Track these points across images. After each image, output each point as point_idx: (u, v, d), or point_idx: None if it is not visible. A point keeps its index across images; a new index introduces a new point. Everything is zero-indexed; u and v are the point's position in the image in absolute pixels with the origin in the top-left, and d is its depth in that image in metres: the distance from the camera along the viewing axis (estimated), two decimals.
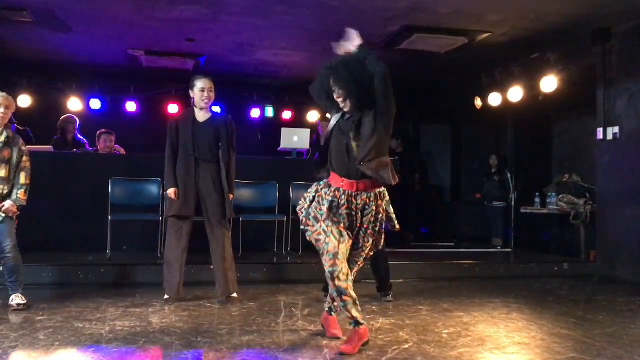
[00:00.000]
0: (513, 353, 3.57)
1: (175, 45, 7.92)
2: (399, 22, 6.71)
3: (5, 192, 4.48)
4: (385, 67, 3.34)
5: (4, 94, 4.56)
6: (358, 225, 3.46)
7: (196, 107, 4.87)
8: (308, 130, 7.58)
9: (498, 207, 8.66)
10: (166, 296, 4.77)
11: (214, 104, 9.83)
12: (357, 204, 3.39)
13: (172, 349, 3.50)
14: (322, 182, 3.56)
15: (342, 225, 3.41)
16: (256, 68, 9.17)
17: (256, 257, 6.44)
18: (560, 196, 7.81)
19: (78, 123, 7.77)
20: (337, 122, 3.50)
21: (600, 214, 7.10)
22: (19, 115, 8.15)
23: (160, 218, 6.08)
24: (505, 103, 8.53)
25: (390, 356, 3.42)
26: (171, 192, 4.75)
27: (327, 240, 3.39)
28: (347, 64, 3.33)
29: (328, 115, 3.73)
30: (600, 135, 7.02)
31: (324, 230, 3.41)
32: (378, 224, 3.50)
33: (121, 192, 6.39)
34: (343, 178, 3.41)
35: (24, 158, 4.59)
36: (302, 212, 3.61)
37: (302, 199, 3.65)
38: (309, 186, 3.71)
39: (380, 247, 3.69)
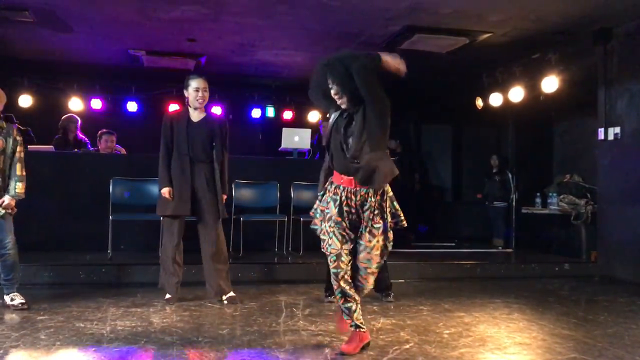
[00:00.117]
0: (514, 353, 3.57)
1: (176, 46, 7.92)
2: (400, 22, 6.71)
3: (1, 184, 4.40)
4: (361, 61, 3.27)
5: None
6: (360, 222, 3.45)
7: (190, 106, 4.85)
8: (309, 130, 7.58)
9: (499, 207, 8.66)
10: (167, 296, 4.77)
11: (215, 104, 9.99)
12: (356, 200, 3.38)
13: (173, 348, 3.50)
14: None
15: (344, 224, 3.40)
16: (257, 68, 9.17)
17: (257, 257, 6.44)
18: (562, 196, 7.81)
19: (80, 122, 7.78)
20: (335, 120, 3.51)
21: (601, 214, 7.10)
22: (20, 115, 8.18)
23: (162, 218, 6.08)
24: (506, 103, 8.53)
25: (391, 356, 3.42)
26: (165, 191, 4.72)
27: (330, 242, 3.40)
28: (341, 59, 3.31)
29: (328, 115, 3.72)
30: (601, 136, 7.02)
31: (327, 231, 3.42)
32: (381, 221, 3.38)
33: (122, 191, 6.40)
34: (342, 175, 3.41)
35: (19, 148, 4.48)
36: (314, 212, 3.60)
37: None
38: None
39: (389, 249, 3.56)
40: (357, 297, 3.44)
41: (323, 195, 3.53)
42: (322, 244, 3.46)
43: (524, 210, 8.34)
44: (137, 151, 7.80)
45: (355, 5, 6.15)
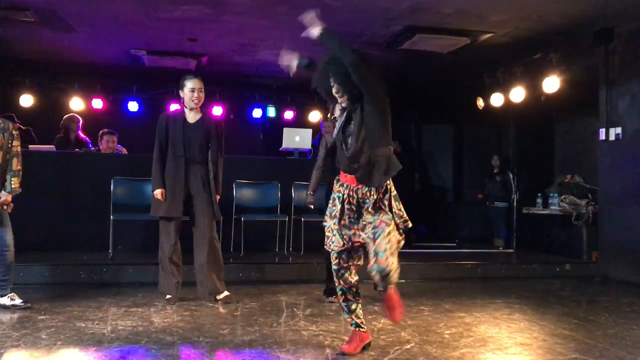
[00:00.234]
0: (515, 354, 3.57)
1: (177, 45, 7.92)
2: (401, 22, 6.70)
3: (2, 180, 4.37)
4: (354, 55, 3.26)
5: None
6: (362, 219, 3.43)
7: (186, 107, 4.84)
8: (310, 130, 7.58)
9: (500, 207, 8.66)
10: (168, 296, 4.77)
11: (216, 104, 9.99)
12: (357, 197, 3.38)
13: (173, 348, 3.50)
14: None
15: (346, 221, 3.40)
16: (258, 68, 9.17)
17: (258, 257, 6.44)
18: (563, 197, 7.80)
19: (81, 122, 7.78)
20: (339, 118, 3.53)
21: (602, 215, 7.09)
22: (22, 114, 8.19)
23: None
24: (508, 103, 8.52)
25: (392, 356, 3.42)
26: (157, 193, 4.72)
27: (332, 239, 3.41)
28: (341, 57, 3.31)
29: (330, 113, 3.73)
30: (602, 136, 7.01)
31: (331, 228, 3.43)
32: (388, 212, 3.31)
33: (123, 191, 6.40)
34: (346, 174, 3.42)
35: (15, 142, 4.44)
36: (327, 211, 3.59)
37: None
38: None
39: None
40: (357, 297, 3.45)
41: (329, 194, 3.52)
42: (325, 240, 3.47)
43: (524, 211, 8.33)
44: (138, 151, 7.78)
45: (357, 5, 6.15)
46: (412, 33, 6.92)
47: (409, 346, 3.64)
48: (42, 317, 4.18)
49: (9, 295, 4.43)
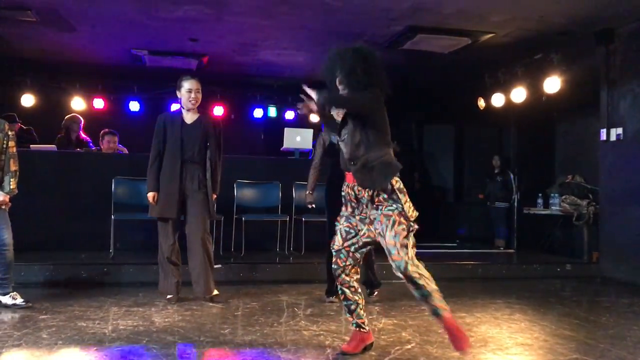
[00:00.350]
0: (516, 354, 3.57)
1: (178, 45, 7.93)
2: (403, 23, 6.70)
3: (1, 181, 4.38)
4: (352, 102, 3.39)
5: None
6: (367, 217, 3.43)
7: (184, 108, 4.83)
8: (311, 131, 7.58)
9: (501, 207, 8.66)
10: (169, 296, 4.77)
11: (217, 104, 9.98)
12: (359, 195, 3.38)
13: (174, 348, 3.51)
14: None
15: (347, 219, 3.40)
16: (259, 68, 9.17)
17: (258, 256, 6.44)
18: (563, 197, 7.80)
19: (83, 122, 7.78)
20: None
21: (603, 215, 7.09)
22: (23, 114, 8.20)
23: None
24: (509, 104, 8.52)
25: (392, 356, 3.43)
26: (150, 196, 4.74)
27: (335, 238, 3.44)
28: (353, 52, 3.42)
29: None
30: (603, 136, 7.01)
31: (339, 228, 3.44)
32: (384, 213, 3.23)
33: (124, 191, 6.40)
34: (348, 173, 3.43)
35: (11, 143, 4.42)
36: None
37: None
38: None
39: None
40: (357, 298, 3.44)
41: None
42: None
43: (525, 211, 8.33)
44: (139, 151, 7.77)
45: (358, 5, 6.15)
46: (413, 33, 6.92)
47: (409, 346, 3.64)
48: (43, 316, 4.18)
49: (11, 294, 4.43)
